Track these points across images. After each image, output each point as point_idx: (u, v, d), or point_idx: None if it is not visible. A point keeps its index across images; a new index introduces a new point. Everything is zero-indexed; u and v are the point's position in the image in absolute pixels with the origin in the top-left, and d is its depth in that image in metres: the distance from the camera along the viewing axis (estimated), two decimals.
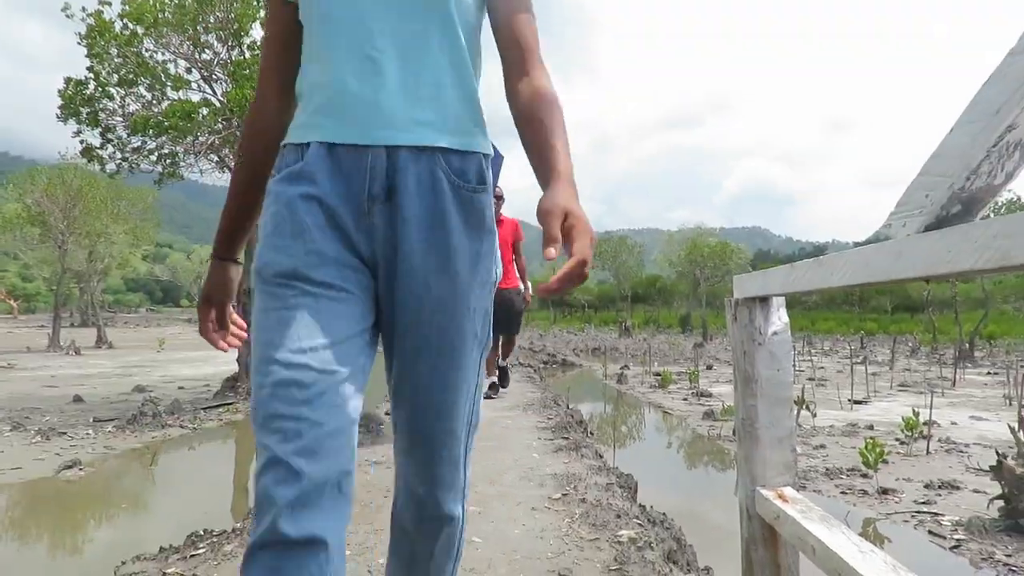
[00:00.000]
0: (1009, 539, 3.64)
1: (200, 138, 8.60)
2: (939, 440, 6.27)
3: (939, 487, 4.77)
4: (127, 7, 8.02)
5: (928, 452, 5.83)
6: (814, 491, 4.81)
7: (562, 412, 6.46)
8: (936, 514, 4.21)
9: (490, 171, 1.14)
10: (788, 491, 1.47)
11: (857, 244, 1.20)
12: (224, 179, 9.77)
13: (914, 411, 6.17)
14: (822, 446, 6.17)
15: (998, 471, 3.88)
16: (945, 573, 3.41)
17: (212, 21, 8.31)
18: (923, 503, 4.45)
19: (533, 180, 1.10)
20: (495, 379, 6.73)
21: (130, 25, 8.07)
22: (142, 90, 8.50)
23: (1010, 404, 8.67)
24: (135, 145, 8.79)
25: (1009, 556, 3.44)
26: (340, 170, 1.04)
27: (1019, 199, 19.73)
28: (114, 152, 8.82)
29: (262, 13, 8.44)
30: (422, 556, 1.20)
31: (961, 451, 5.90)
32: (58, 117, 8.41)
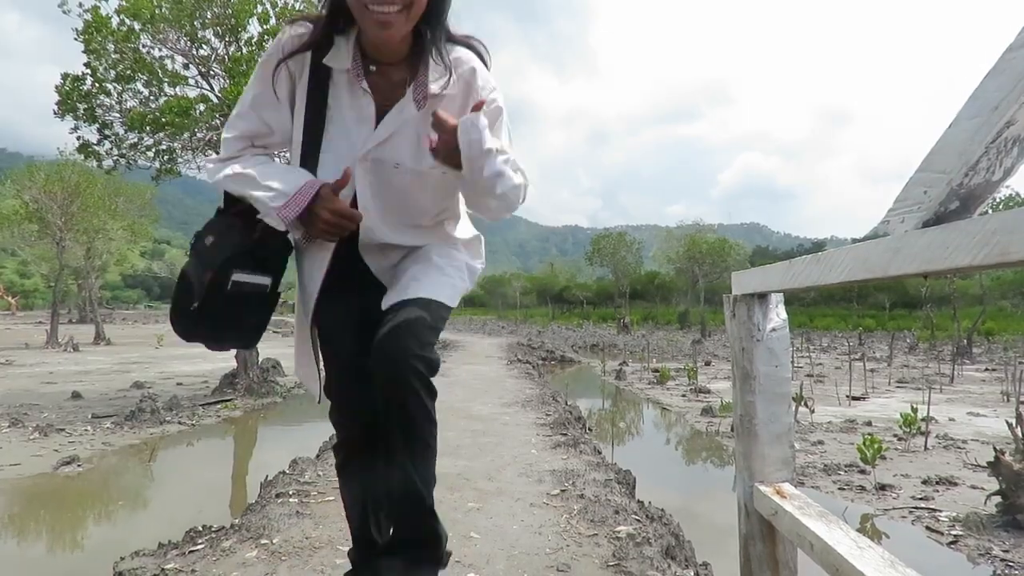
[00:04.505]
0: (1006, 535, 3.65)
1: (197, 134, 8.57)
2: (937, 436, 6.29)
3: (937, 483, 4.78)
4: (124, 3, 7.98)
5: (926, 448, 5.85)
6: (812, 487, 4.83)
7: (560, 408, 6.47)
8: (934, 510, 4.22)
9: None
10: (786, 487, 1.47)
11: (856, 240, 1.20)
12: None
13: (912, 407, 6.19)
14: (820, 442, 6.18)
15: (995, 467, 3.89)
16: (943, 569, 3.42)
17: (209, 17, 8.28)
18: (921, 499, 4.46)
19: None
20: None
21: (127, 21, 8.04)
22: (139, 86, 8.47)
23: (1008, 400, 8.70)
24: (132, 141, 8.76)
25: (1006, 552, 3.45)
26: None
27: (1017, 195, 19.73)
28: (111, 148, 8.80)
29: (259, 8, 8.40)
30: None
31: (959, 447, 5.92)
32: (55, 113, 8.38)
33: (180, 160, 9.20)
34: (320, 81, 1.35)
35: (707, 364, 14.39)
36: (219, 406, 8.19)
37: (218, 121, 8.64)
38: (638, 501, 3.36)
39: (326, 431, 5.69)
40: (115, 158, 8.91)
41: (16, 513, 4.33)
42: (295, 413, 8.47)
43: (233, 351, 9.19)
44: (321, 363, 1.54)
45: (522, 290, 51.46)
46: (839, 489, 4.75)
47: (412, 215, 1.47)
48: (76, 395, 8.49)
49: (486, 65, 1.43)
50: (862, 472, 5.03)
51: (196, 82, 8.68)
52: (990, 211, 0.79)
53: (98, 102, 8.38)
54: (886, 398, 9.23)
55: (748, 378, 1.52)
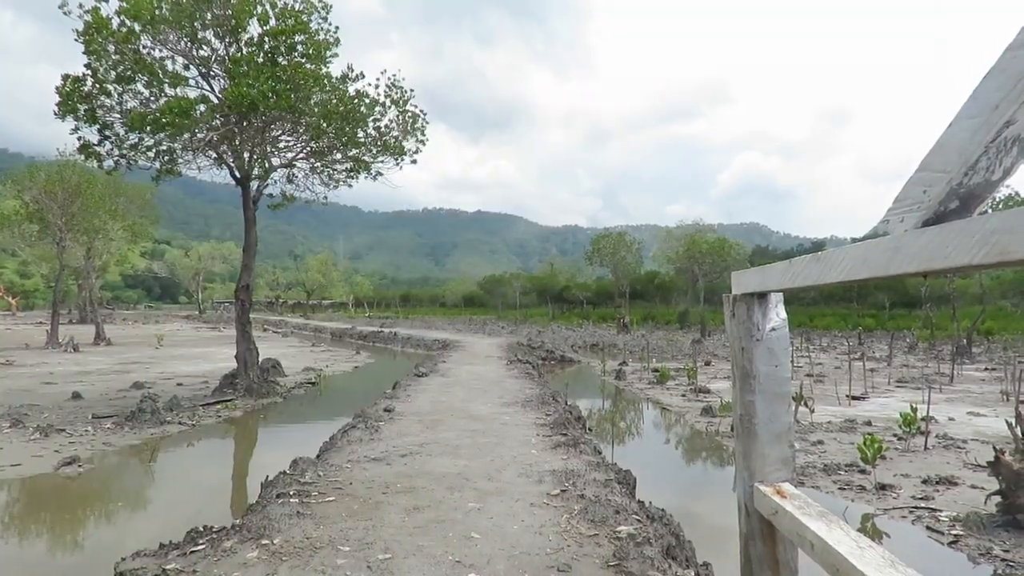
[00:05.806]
0: (1007, 534, 3.65)
1: (198, 134, 8.58)
2: (937, 436, 6.29)
3: (937, 482, 4.78)
4: (124, 4, 7.98)
5: (926, 448, 5.85)
6: (812, 487, 4.83)
7: (560, 408, 6.47)
8: (934, 510, 4.22)
9: None
10: (786, 487, 1.47)
11: (855, 240, 1.20)
12: (223, 175, 9.75)
13: (912, 407, 6.19)
14: (820, 442, 6.18)
15: (995, 466, 3.89)
16: (943, 569, 3.42)
17: (209, 18, 8.28)
18: (921, 498, 4.46)
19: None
20: None
21: (127, 22, 8.04)
22: (140, 87, 8.47)
23: (1007, 400, 8.70)
24: (133, 142, 8.77)
25: (1007, 552, 3.45)
26: None
27: (1017, 195, 19.70)
28: (112, 149, 8.81)
29: (259, 9, 8.40)
30: None
31: (959, 447, 5.92)
32: (55, 115, 8.39)
33: (180, 160, 9.21)
34: None
35: (707, 364, 14.38)
36: (219, 406, 8.19)
37: (218, 121, 8.65)
38: (638, 501, 3.37)
39: (326, 431, 5.69)
40: (116, 158, 8.93)
41: (17, 513, 4.33)
42: (295, 413, 8.47)
43: (233, 352, 9.20)
44: None
45: (522, 290, 51.46)
46: (839, 489, 4.76)
47: None
48: (76, 395, 8.49)
49: None
50: (862, 472, 5.03)
51: (196, 83, 8.69)
52: (990, 211, 0.79)
53: (99, 103, 8.39)
54: (886, 398, 9.22)
55: (748, 378, 1.52)
